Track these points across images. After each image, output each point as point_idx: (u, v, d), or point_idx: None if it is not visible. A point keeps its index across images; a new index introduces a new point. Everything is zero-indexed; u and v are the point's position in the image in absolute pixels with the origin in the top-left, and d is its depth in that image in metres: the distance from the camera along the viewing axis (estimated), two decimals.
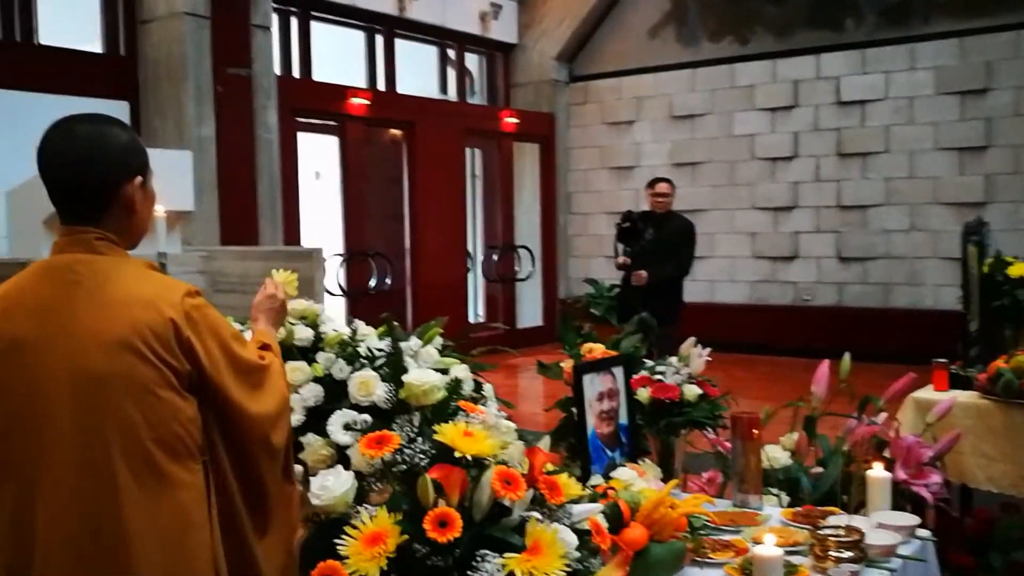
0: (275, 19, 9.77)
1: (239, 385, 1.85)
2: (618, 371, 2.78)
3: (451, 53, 12.32)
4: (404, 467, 1.87)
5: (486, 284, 12.43)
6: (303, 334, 2.93)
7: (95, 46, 8.70)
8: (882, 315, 10.36)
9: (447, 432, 1.90)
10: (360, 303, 10.10)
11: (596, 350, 2.85)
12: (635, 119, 12.23)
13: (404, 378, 2.14)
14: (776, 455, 3.20)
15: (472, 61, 12.77)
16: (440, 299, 10.80)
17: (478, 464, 1.87)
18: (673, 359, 2.98)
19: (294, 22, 10.26)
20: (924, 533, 2.55)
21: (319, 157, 10.45)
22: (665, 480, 2.91)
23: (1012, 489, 3.79)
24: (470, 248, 11.97)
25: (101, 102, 8.36)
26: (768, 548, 2.02)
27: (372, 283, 10.41)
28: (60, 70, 8.09)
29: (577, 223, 12.71)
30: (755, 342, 10.33)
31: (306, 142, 10.19)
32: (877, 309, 10.46)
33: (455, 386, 2.25)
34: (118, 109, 8.52)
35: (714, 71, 11.54)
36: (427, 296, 10.79)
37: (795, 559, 2.31)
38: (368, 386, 2.30)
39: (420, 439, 1.94)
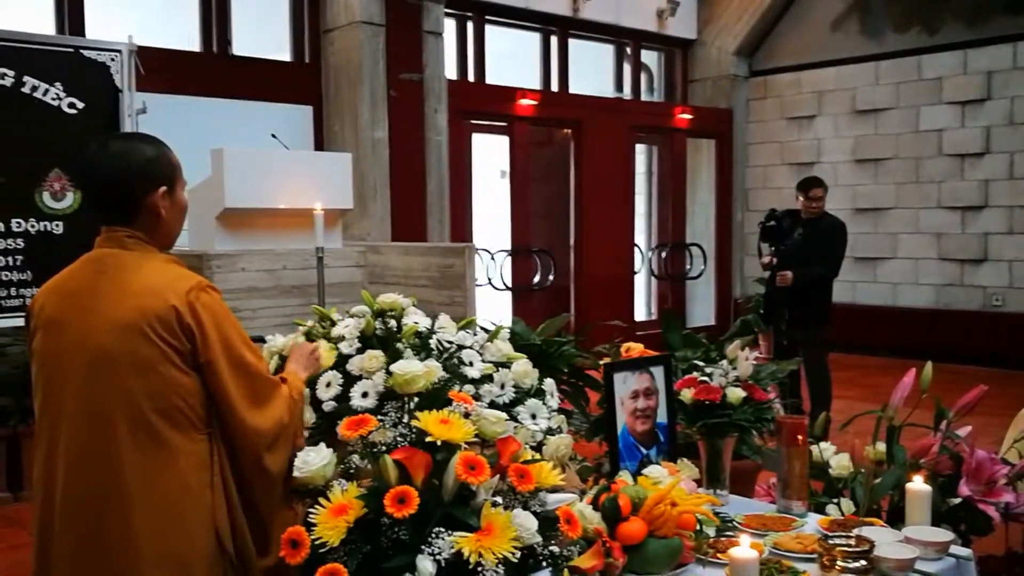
0: (451, 25, 10.19)
1: (235, 383, 2.05)
2: (657, 371, 2.83)
3: (627, 51, 12.36)
4: (383, 448, 2.06)
5: (658, 283, 12.40)
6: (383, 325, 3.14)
7: (283, 55, 9.37)
8: None
9: (424, 418, 2.06)
10: (524, 299, 10.36)
11: (634, 349, 2.91)
12: (816, 114, 11.86)
13: (391, 368, 2.31)
14: (845, 463, 3.15)
15: (650, 58, 12.76)
16: (604, 296, 10.91)
17: (448, 448, 2.02)
18: (724, 362, 2.99)
19: (470, 27, 10.62)
20: (962, 552, 2.46)
21: (504, 156, 10.75)
22: (710, 483, 2.95)
23: None
24: (640, 245, 11.97)
25: (287, 107, 9.05)
26: (743, 551, 2.04)
27: (536, 279, 10.63)
28: (251, 78, 8.78)
29: (754, 220, 12.40)
30: (940, 348, 9.79)
31: (490, 142, 10.55)
32: None
33: (449, 378, 2.39)
34: (302, 114, 9.19)
35: (899, 63, 11.01)
36: (591, 293, 10.91)
37: (802, 565, 2.32)
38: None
39: (404, 424, 2.12)
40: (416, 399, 2.28)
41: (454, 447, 2.02)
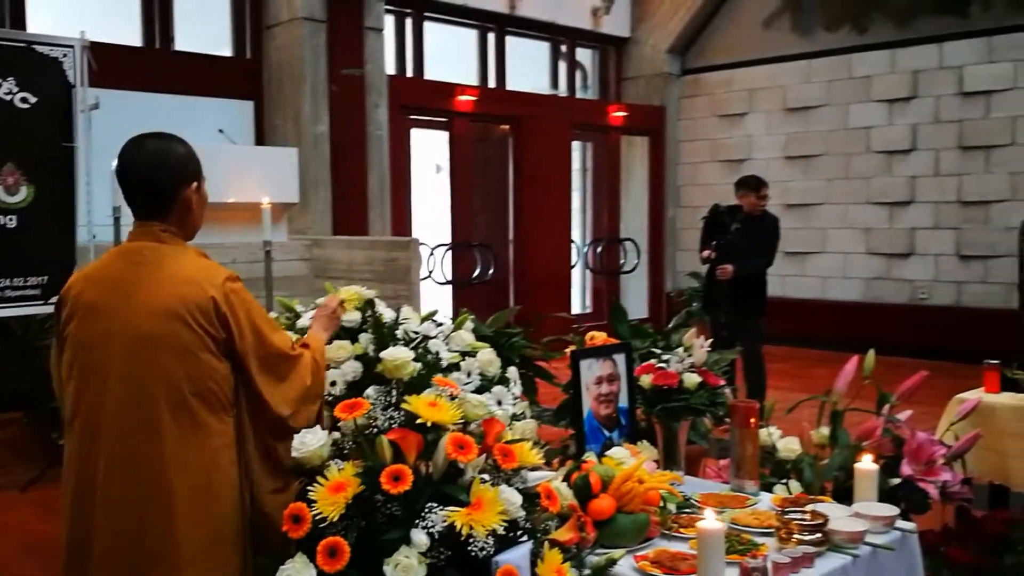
0: (390, 21, 10.24)
1: (260, 367, 2.26)
2: (619, 357, 2.98)
3: (562, 48, 12.54)
4: (375, 430, 2.17)
5: (593, 276, 12.63)
6: (350, 316, 3.22)
7: (225, 50, 9.34)
8: (1005, 316, 9.98)
9: (414, 402, 2.17)
10: (464, 292, 10.47)
11: (598, 338, 3.05)
12: (747, 111, 12.17)
13: (381, 354, 2.42)
14: (792, 446, 3.33)
15: (584, 56, 12.97)
16: (543, 289, 11.08)
17: (437, 430, 2.14)
18: (679, 349, 3.14)
19: (408, 23, 10.69)
20: (906, 525, 2.65)
21: (440, 151, 10.85)
22: (666, 463, 3.11)
23: None
24: (576, 240, 12.18)
25: (229, 102, 9.02)
26: (709, 522, 2.18)
27: (475, 273, 10.76)
28: (194, 73, 8.76)
29: (686, 216, 12.72)
30: (868, 341, 10.11)
31: (428, 137, 10.64)
32: (999, 309, 10.04)
33: (433, 363, 2.51)
34: (244, 108, 9.16)
35: (830, 61, 11.33)
36: (529, 286, 11.08)
37: (761, 539, 2.48)
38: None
39: (394, 407, 2.23)
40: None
41: (443, 428, 2.14)
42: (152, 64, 8.57)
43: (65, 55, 6.03)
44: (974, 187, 10.39)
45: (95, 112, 6.15)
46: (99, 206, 6.06)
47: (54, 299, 2.61)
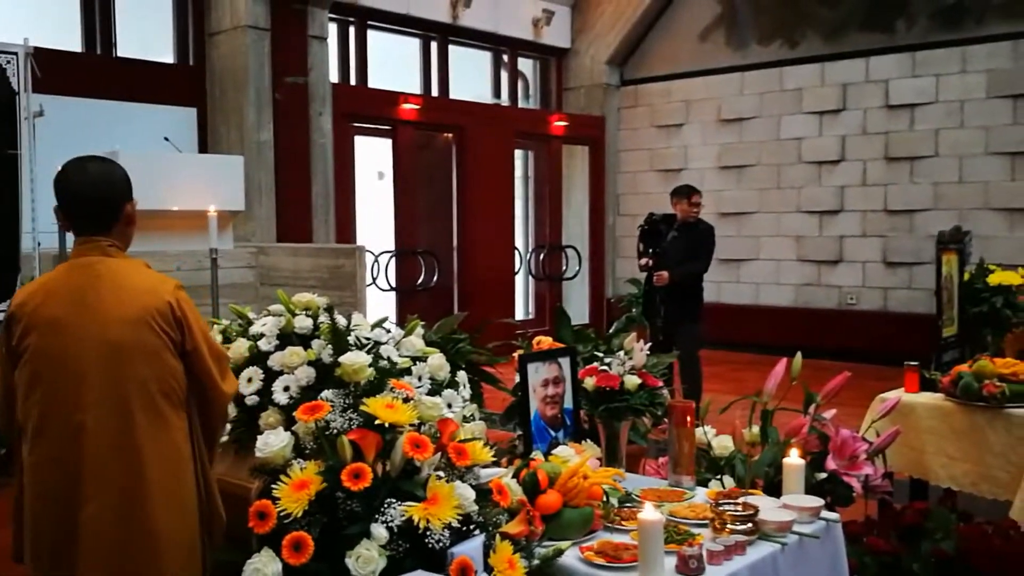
0: (334, 29, 10.31)
1: (213, 361, 2.52)
2: (564, 361, 3.15)
3: (504, 58, 12.73)
4: (335, 431, 2.30)
5: (536, 283, 12.82)
6: (303, 323, 3.33)
7: (168, 57, 9.33)
8: (928, 320, 10.37)
9: (372, 404, 2.31)
10: (408, 299, 10.57)
11: (544, 342, 3.21)
12: (684, 122, 12.46)
13: (340, 359, 2.55)
14: (726, 444, 3.52)
15: (525, 66, 13.17)
16: (487, 296, 11.24)
17: (394, 430, 2.27)
18: (620, 352, 3.32)
19: (352, 31, 10.77)
20: (830, 515, 2.85)
21: (383, 159, 10.95)
22: (609, 461, 3.28)
23: (972, 488, 4.01)
24: (519, 247, 12.36)
25: (172, 109, 9.01)
26: (650, 513, 2.35)
27: (420, 280, 10.87)
28: (136, 80, 8.73)
29: (626, 224, 12.96)
30: (799, 344, 10.42)
31: (371, 145, 10.72)
32: (922, 314, 10.44)
33: (388, 367, 2.64)
34: (187, 116, 9.16)
35: (763, 74, 11.68)
36: (474, 293, 11.22)
37: (697, 530, 2.65)
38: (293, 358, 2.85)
39: (352, 409, 2.36)
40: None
41: (400, 429, 2.27)
42: (93, 70, 8.54)
43: (8, 61, 6.02)
44: (899, 196, 10.79)
45: (38, 119, 6.15)
46: (43, 213, 6.05)
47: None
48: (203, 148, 9.17)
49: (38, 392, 2.35)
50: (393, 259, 10.63)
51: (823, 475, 3.32)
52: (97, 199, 2.45)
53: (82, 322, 2.35)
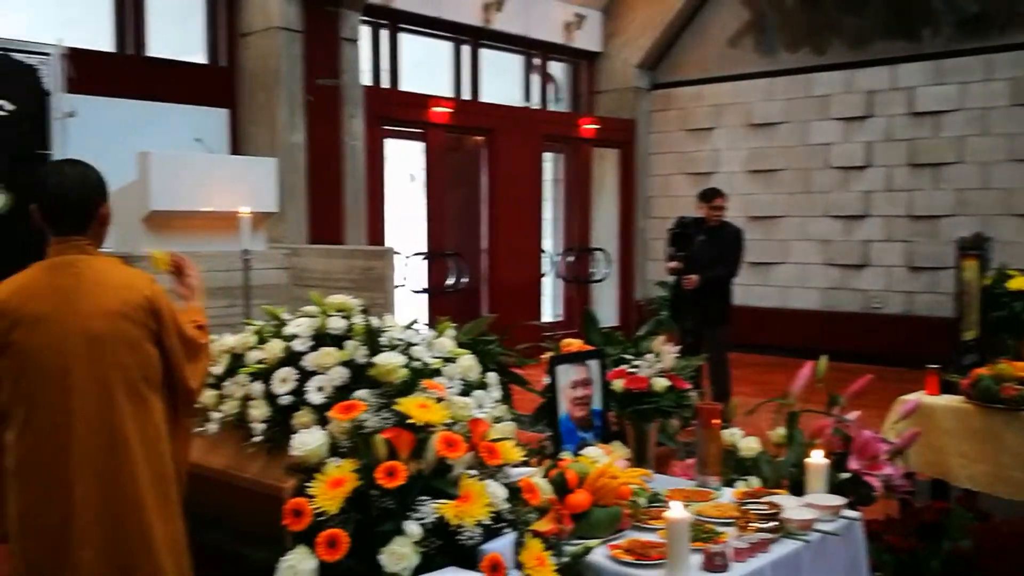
0: (367, 32, 10.41)
1: (182, 350, 2.70)
2: (593, 363, 3.20)
3: (535, 62, 12.79)
4: (370, 430, 2.36)
5: (564, 285, 12.86)
6: (337, 324, 3.39)
7: (199, 58, 9.45)
8: (950, 324, 10.35)
9: (405, 403, 2.37)
10: (438, 301, 10.65)
11: (573, 344, 3.27)
12: (714, 126, 12.50)
13: (374, 359, 2.61)
14: (752, 445, 3.56)
15: (556, 69, 13.23)
16: (515, 298, 11.31)
17: (426, 429, 2.34)
18: (649, 355, 3.37)
19: (384, 34, 10.87)
20: (852, 514, 2.89)
21: (414, 161, 11.05)
22: (637, 462, 3.34)
23: (989, 488, 4.04)
24: (548, 249, 12.41)
25: (203, 110, 9.12)
26: (676, 513, 2.40)
27: (449, 281, 10.95)
28: (168, 80, 8.83)
29: (655, 227, 12.98)
30: (825, 347, 10.43)
31: (402, 147, 10.82)
32: (945, 318, 10.42)
33: (421, 368, 2.71)
34: (218, 116, 9.26)
35: (791, 80, 11.74)
36: (502, 295, 11.29)
37: (723, 528, 2.70)
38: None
39: (386, 408, 2.42)
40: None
41: (432, 428, 2.34)
42: (125, 70, 8.61)
43: (42, 62, 6.12)
44: (923, 202, 10.83)
45: (70, 119, 6.24)
46: None
47: None
48: (235, 149, 9.27)
49: (25, 383, 2.51)
50: (423, 261, 10.71)
51: (846, 475, 3.36)
52: (75, 201, 2.59)
53: (66, 317, 2.51)
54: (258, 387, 3.28)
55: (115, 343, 2.53)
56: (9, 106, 5.98)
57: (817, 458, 3.00)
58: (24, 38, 6.38)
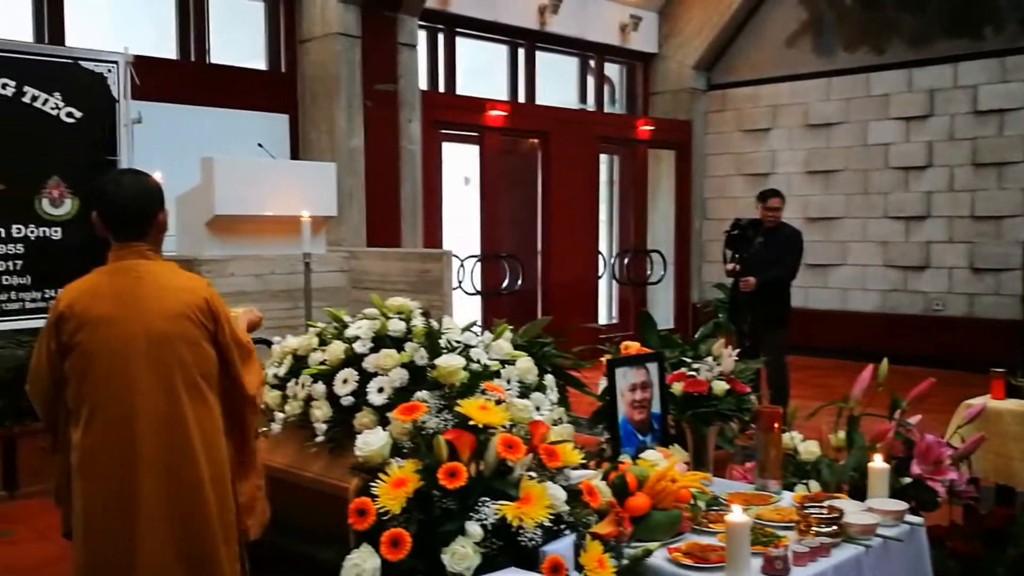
0: (423, 37, 10.51)
1: (237, 351, 2.81)
2: (652, 366, 3.21)
3: (591, 64, 12.79)
4: (431, 431, 2.40)
5: (619, 287, 12.84)
6: (396, 326, 3.44)
7: (260, 64, 9.62)
8: (1015, 326, 10.15)
9: (466, 405, 2.41)
10: (493, 303, 10.71)
11: (631, 347, 3.28)
12: (771, 127, 12.40)
13: (435, 361, 2.65)
14: (812, 449, 3.54)
15: (612, 71, 13.21)
16: (570, 300, 11.32)
17: (487, 431, 2.37)
18: (708, 358, 3.37)
19: (441, 39, 10.96)
20: (914, 519, 2.87)
21: (470, 164, 11.12)
22: (696, 465, 3.33)
23: None
24: (603, 251, 12.40)
25: (264, 115, 9.27)
26: (737, 516, 2.41)
27: (505, 284, 11.00)
28: (229, 86, 9.01)
29: (712, 228, 12.92)
30: (885, 350, 10.28)
31: (458, 150, 10.90)
32: (1009, 320, 10.25)
33: (480, 370, 2.74)
34: (278, 122, 9.42)
35: (849, 80, 11.61)
36: (557, 297, 11.32)
37: (783, 532, 2.70)
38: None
39: (447, 410, 2.46)
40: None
41: (493, 430, 2.37)
42: (188, 77, 8.79)
43: (109, 70, 6.28)
44: (987, 203, 10.64)
45: (136, 125, 6.39)
46: None
47: None
48: (295, 154, 9.41)
49: (90, 382, 2.62)
50: (478, 263, 10.78)
51: (908, 479, 3.32)
52: (135, 208, 2.73)
53: (128, 318, 2.63)
54: (320, 388, 3.33)
55: (176, 342, 2.65)
56: (77, 113, 6.13)
57: (878, 463, 2.98)
58: (92, 46, 6.55)
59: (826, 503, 2.79)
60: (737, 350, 3.64)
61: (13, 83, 5.89)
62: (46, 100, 6.02)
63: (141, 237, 2.73)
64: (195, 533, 2.63)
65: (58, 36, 8.05)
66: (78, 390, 2.63)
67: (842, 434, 3.59)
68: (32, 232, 5.99)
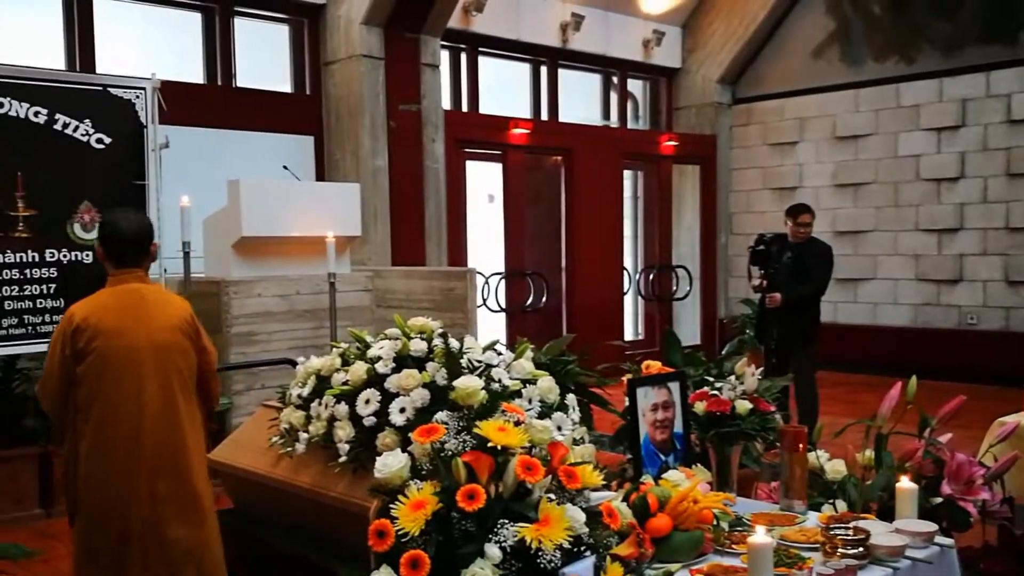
0: (446, 56, 10.56)
1: (207, 348, 3.49)
2: (674, 385, 3.18)
3: (614, 80, 12.79)
4: (450, 452, 2.39)
5: (645, 303, 12.78)
6: (418, 346, 3.43)
7: (285, 87, 9.70)
8: None
9: (484, 427, 2.39)
10: (518, 320, 10.69)
11: (653, 367, 3.25)
12: (798, 140, 12.31)
13: (454, 383, 2.64)
14: (839, 468, 3.49)
15: (635, 87, 13.20)
16: (595, 317, 11.27)
17: (506, 452, 2.35)
18: (731, 377, 3.33)
19: (463, 58, 11.01)
20: (944, 540, 2.80)
21: (494, 182, 11.14)
22: (719, 485, 3.29)
23: None
24: (628, 267, 12.36)
25: (290, 137, 9.35)
26: (760, 537, 2.37)
27: (529, 301, 10.99)
28: (255, 109, 9.09)
29: (739, 243, 12.84)
30: (917, 365, 10.16)
31: (481, 169, 10.93)
32: None
33: (500, 391, 2.72)
34: (304, 143, 9.49)
35: (878, 91, 11.49)
36: (582, 313, 11.28)
37: (808, 554, 2.65)
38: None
39: (466, 431, 2.45)
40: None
41: (511, 451, 2.35)
42: (214, 100, 8.88)
43: (137, 96, 6.35)
44: (1022, 214, 10.46)
45: (165, 150, 6.46)
46: (170, 241, 6.33)
47: None
48: (320, 175, 9.48)
49: (105, 381, 3.18)
50: (503, 281, 10.77)
51: (938, 500, 3.26)
52: (138, 240, 3.35)
53: (136, 329, 3.23)
54: (343, 408, 3.33)
55: (173, 351, 3.29)
56: (107, 139, 6.20)
57: (906, 483, 2.92)
58: (121, 73, 6.62)
59: (852, 524, 2.74)
60: (762, 368, 3.60)
61: (45, 111, 5.98)
62: (77, 127, 6.11)
63: (139, 264, 3.36)
64: (191, 501, 3.28)
65: (89, 63, 8.16)
66: (92, 389, 3.18)
67: (870, 453, 3.53)
68: (64, 256, 6.07)
